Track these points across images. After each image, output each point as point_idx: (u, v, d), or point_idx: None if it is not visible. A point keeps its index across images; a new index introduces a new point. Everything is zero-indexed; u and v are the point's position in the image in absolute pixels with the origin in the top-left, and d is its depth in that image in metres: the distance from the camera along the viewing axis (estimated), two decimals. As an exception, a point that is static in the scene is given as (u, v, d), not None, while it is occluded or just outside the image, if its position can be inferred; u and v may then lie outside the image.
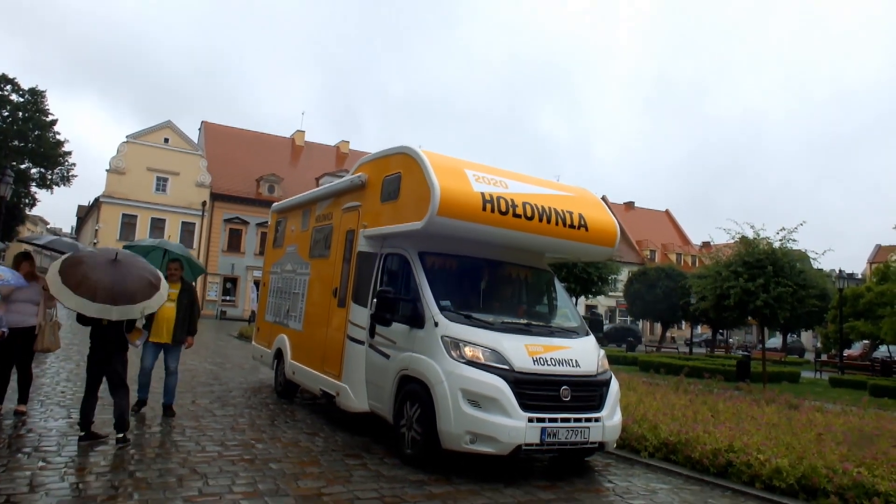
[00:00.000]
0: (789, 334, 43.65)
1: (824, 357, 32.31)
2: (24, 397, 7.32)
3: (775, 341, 42.86)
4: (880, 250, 62.92)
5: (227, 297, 44.76)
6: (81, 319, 6.23)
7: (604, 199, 64.59)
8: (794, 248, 16.45)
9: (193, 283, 8.70)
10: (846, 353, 31.45)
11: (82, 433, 6.15)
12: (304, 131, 55.65)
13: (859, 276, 53.18)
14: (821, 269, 26.03)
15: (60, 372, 10.85)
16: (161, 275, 6.59)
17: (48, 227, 78.01)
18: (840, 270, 28.38)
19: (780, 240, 16.09)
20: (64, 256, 6.19)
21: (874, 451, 6.66)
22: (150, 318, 7.56)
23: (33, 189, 43.65)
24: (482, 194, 6.46)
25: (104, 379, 6.35)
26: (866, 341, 33.07)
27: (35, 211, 55.14)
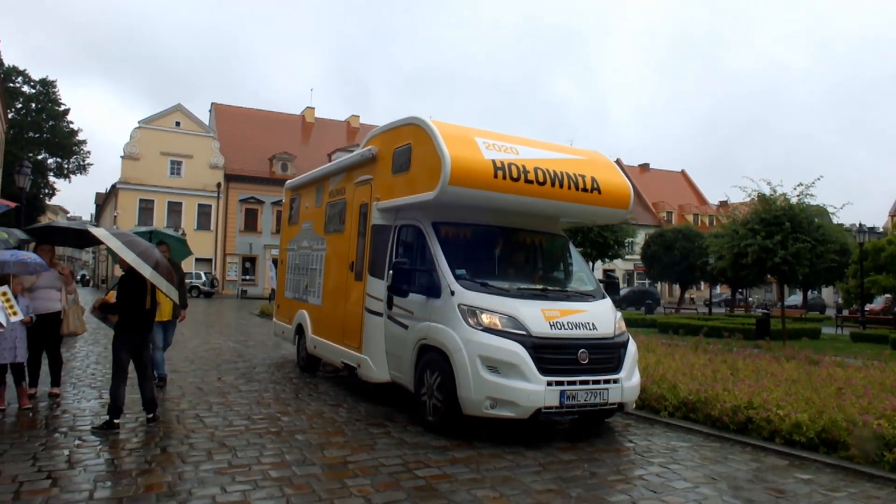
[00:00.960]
0: (810, 291, 43.26)
1: (845, 312, 32.06)
2: (56, 380, 7.53)
3: (796, 298, 42.58)
4: (902, 202, 61.86)
5: (247, 277, 45.30)
6: (113, 308, 6.37)
7: (617, 161, 63.94)
8: (813, 203, 16.24)
9: (180, 264, 9.15)
10: (868, 307, 31.14)
11: (116, 420, 6.04)
12: (313, 108, 55.60)
13: (881, 230, 52.50)
14: (840, 224, 25.68)
15: (90, 355, 11.12)
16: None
17: (68, 215, 78.96)
18: (860, 224, 27.96)
19: (798, 195, 15.87)
20: (112, 229, 6.69)
21: (895, 403, 6.66)
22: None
23: (51, 179, 44.20)
24: (493, 161, 6.46)
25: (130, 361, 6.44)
26: (888, 295, 32.70)
27: (54, 200, 55.86)
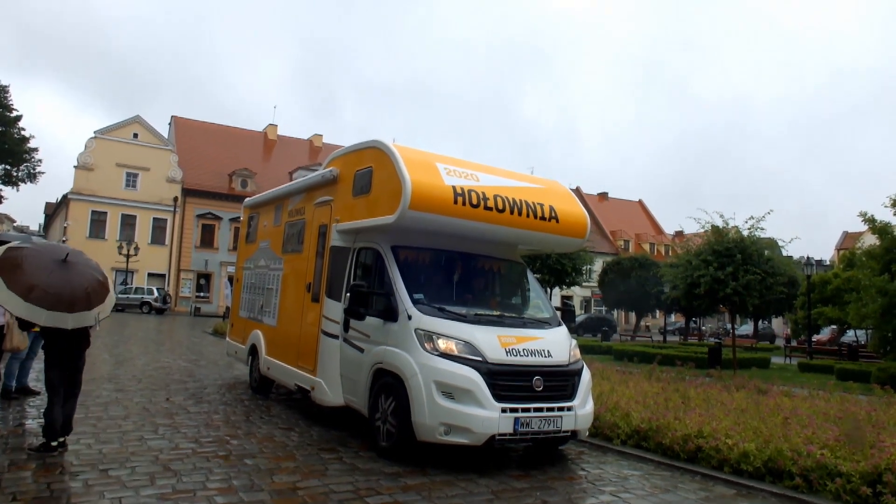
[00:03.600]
0: (760, 321, 44.47)
1: (794, 343, 33.02)
2: (-8, 399, 7.21)
3: (747, 328, 43.65)
4: (847, 237, 64.33)
5: (201, 294, 44.31)
6: (26, 325, 5.82)
7: (577, 190, 65.08)
8: (763, 236, 16.80)
9: None
10: (815, 338, 32.16)
11: (53, 443, 5.68)
12: (276, 125, 55.25)
13: (827, 263, 54.43)
14: (789, 257, 26.57)
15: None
16: (111, 283, 6.15)
17: (14, 224, 76.29)
18: (808, 257, 28.96)
19: (749, 228, 16.41)
20: (8, 245, 5.68)
21: (837, 434, 6.85)
22: None
23: (-1, 186, 42.65)
24: (453, 187, 6.50)
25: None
26: (834, 326, 33.83)
27: (1, 209, 53.88)
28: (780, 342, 41.21)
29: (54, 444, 5.72)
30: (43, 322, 5.34)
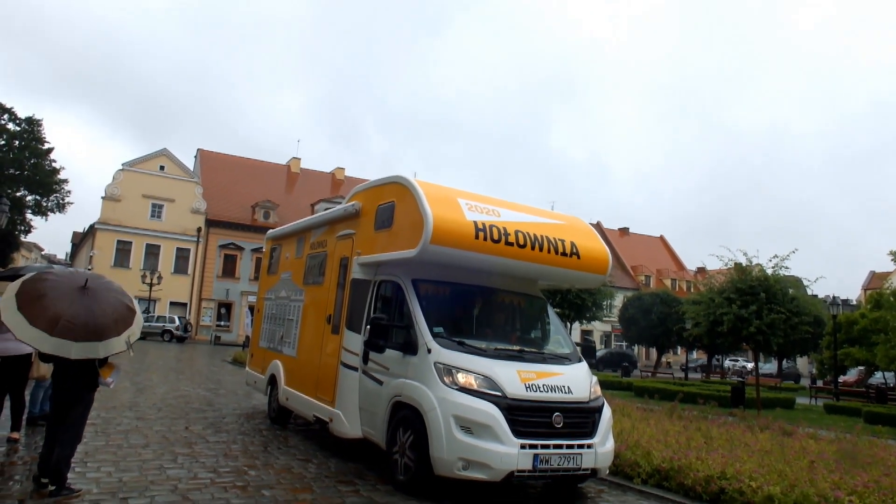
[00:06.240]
0: (785, 360, 43.58)
1: (820, 383, 32.26)
2: (16, 424, 7.31)
3: (771, 367, 42.78)
4: (874, 277, 63.23)
5: (222, 323, 44.62)
6: (42, 355, 5.39)
7: (597, 225, 64.98)
8: (788, 274, 16.59)
9: None
10: (842, 379, 31.40)
11: (53, 487, 5.22)
12: (299, 158, 56.07)
13: (854, 303, 53.44)
14: (815, 296, 26.16)
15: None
16: (136, 303, 5.83)
17: (42, 253, 77.83)
18: (834, 297, 28.48)
19: (773, 267, 16.23)
20: (25, 277, 5.38)
21: (866, 480, 6.67)
22: None
23: (28, 216, 43.64)
24: (475, 223, 6.56)
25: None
26: (861, 368, 33.03)
27: (30, 237, 55.07)
28: (805, 382, 40.32)
29: (44, 480, 5.30)
30: (49, 349, 4.94)
